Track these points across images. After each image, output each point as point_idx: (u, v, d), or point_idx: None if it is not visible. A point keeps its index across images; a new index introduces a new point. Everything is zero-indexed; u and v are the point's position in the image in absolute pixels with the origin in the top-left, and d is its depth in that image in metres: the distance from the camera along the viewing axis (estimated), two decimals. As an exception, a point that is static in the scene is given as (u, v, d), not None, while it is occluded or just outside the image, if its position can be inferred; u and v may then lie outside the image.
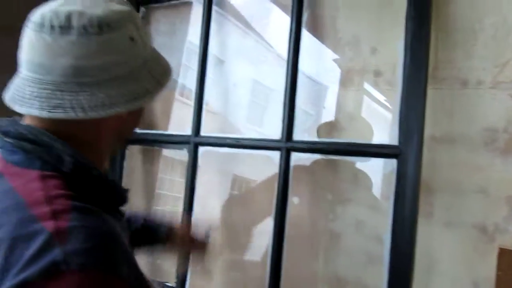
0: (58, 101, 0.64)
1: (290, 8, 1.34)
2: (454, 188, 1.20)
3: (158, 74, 0.73)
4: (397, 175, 1.16)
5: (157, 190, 1.74)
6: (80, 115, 0.64)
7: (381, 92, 1.29)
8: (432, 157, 1.20)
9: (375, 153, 1.21)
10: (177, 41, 1.70)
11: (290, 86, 1.30)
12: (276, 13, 1.54)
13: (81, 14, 0.65)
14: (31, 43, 0.66)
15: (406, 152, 1.14)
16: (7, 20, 1.58)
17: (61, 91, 0.65)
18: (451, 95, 1.20)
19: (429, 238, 1.21)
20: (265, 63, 1.53)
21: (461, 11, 1.19)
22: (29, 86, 0.66)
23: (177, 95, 1.73)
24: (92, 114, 0.65)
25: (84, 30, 0.64)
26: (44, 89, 0.65)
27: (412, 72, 1.15)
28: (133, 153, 1.72)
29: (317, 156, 1.34)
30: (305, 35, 1.34)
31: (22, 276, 0.54)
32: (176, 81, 1.73)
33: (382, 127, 1.30)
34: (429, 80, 1.15)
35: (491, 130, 1.15)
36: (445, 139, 1.21)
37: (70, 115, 0.64)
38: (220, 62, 1.57)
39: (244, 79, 1.58)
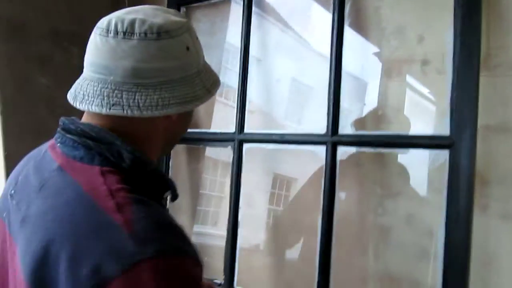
0: (117, 99, 0.70)
1: (331, 1, 1.32)
2: (511, 179, 1.15)
3: (209, 83, 0.79)
4: (450, 167, 1.12)
5: (201, 190, 1.75)
6: (136, 113, 0.70)
7: (429, 81, 1.25)
8: (487, 147, 1.15)
9: (426, 144, 1.18)
10: (217, 40, 1.70)
11: (334, 79, 1.28)
12: (315, 9, 1.52)
13: (143, 21, 0.71)
14: (96, 46, 0.72)
15: (459, 143, 1.10)
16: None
17: (121, 90, 0.71)
18: (505, 82, 1.15)
19: (485, 231, 1.16)
20: (304, 60, 1.51)
21: (513, -6, 1.13)
22: (92, 85, 0.72)
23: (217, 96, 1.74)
24: (146, 113, 0.70)
25: (145, 35, 0.70)
26: (106, 88, 0.71)
27: (463, 60, 1.11)
28: (178, 152, 1.74)
29: (362, 150, 1.31)
30: (346, 29, 1.32)
31: (102, 273, 0.58)
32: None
33: (430, 118, 1.26)
34: (482, 68, 1.11)
35: (548, 117, 1.10)
36: (500, 128, 1.16)
37: (127, 112, 0.70)
38: (258, 60, 1.57)
39: (284, 77, 1.56)
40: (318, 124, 1.33)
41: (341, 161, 1.29)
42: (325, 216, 1.27)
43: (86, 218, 0.64)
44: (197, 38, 0.79)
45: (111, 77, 0.71)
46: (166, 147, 0.85)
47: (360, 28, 1.35)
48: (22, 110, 1.59)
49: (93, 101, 0.71)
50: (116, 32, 0.71)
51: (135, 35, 0.70)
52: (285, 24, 1.55)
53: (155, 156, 0.81)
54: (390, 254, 1.32)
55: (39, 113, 1.64)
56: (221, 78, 1.67)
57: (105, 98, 0.71)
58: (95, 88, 0.72)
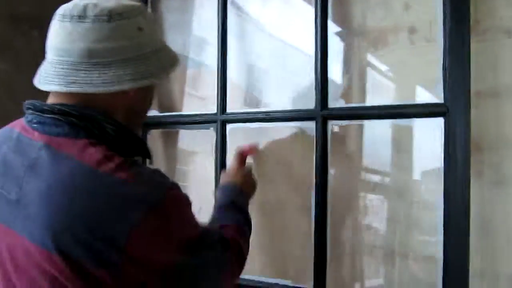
0: (75, 78, 0.77)
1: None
2: (503, 144, 1.15)
3: (166, 62, 0.86)
4: (445, 135, 1.11)
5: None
6: (92, 89, 0.77)
7: (417, 50, 1.23)
8: (478, 113, 1.14)
9: (420, 113, 1.16)
10: (190, 16, 1.63)
11: (321, 52, 1.24)
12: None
13: (95, 5, 0.78)
14: (55, 31, 0.80)
15: (453, 110, 1.09)
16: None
17: (78, 70, 0.77)
18: (494, 46, 1.14)
19: (480, 198, 1.16)
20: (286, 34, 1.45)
21: (500, -44, 1.12)
22: (53, 67, 0.79)
23: (193, 73, 1.67)
24: (102, 89, 0.77)
25: (97, 18, 0.77)
26: (65, 68, 0.77)
27: (454, 26, 1.10)
28: (154, 137, 1.66)
29: (353, 123, 1.29)
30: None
31: (129, 221, 0.70)
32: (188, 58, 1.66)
33: (421, 86, 1.24)
34: (471, 33, 1.10)
35: (539, 79, 1.10)
36: (490, 93, 1.15)
37: (85, 89, 0.77)
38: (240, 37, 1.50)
39: (264, 53, 1.50)
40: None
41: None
42: (319, 192, 1.24)
43: (94, 184, 0.72)
44: (153, 20, 0.88)
45: (70, 58, 0.77)
46: (130, 125, 0.87)
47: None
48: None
49: (53, 81, 0.78)
50: (71, 17, 0.77)
51: (88, 18, 0.77)
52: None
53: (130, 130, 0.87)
54: (385, 227, 1.30)
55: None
56: (198, 57, 1.63)
57: (64, 78, 0.77)
58: (55, 69, 0.78)
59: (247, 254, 0.98)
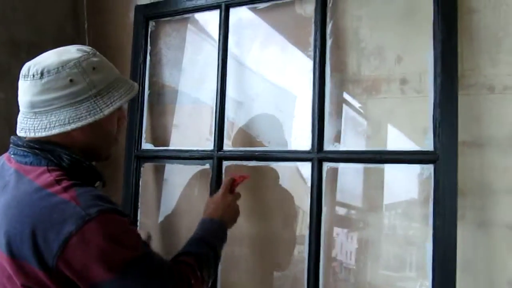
0: (24, 125, 0.97)
1: (312, 22, 1.37)
2: (485, 190, 1.24)
3: (104, 104, 0.98)
4: (435, 181, 1.19)
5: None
6: (32, 134, 0.96)
7: (408, 99, 1.32)
8: (462, 161, 1.23)
9: (412, 159, 1.24)
10: (187, 54, 1.68)
11: (318, 97, 1.31)
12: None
13: (34, 65, 0.96)
14: (20, 89, 0.99)
15: (442, 158, 1.17)
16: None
17: (26, 118, 0.97)
18: (478, 100, 1.24)
19: (462, 239, 1.23)
20: (284, 77, 1.52)
21: (484, 20, 1.23)
22: (19, 116, 1.00)
23: (189, 108, 1.71)
24: (40, 135, 0.95)
25: (33, 76, 0.95)
26: (21, 117, 0.99)
27: (444, 79, 1.19)
28: (147, 170, 1.68)
29: (347, 166, 1.36)
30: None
31: (64, 231, 0.84)
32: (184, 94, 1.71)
33: (409, 134, 1.32)
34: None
35: (518, 132, 1.20)
36: (474, 143, 1.25)
37: (28, 134, 0.97)
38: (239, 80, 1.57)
39: (261, 93, 1.57)
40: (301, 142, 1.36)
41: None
42: (313, 231, 1.29)
43: (41, 201, 0.89)
44: (93, 68, 0.98)
45: (22, 108, 0.98)
46: (89, 156, 1.04)
47: (341, 48, 1.39)
48: None
49: (18, 127, 0.99)
50: (22, 76, 0.97)
51: (29, 76, 0.95)
52: (264, 41, 1.56)
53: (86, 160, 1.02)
54: (375, 267, 1.36)
55: (-3, 130, 1.52)
56: (194, 94, 1.68)
57: (19, 124, 0.98)
58: (19, 118, 1.00)
59: (199, 285, 1.05)
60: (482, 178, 1.25)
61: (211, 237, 1.17)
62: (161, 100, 1.70)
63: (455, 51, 1.19)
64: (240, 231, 1.51)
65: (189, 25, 1.67)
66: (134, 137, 1.62)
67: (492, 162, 1.23)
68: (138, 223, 1.63)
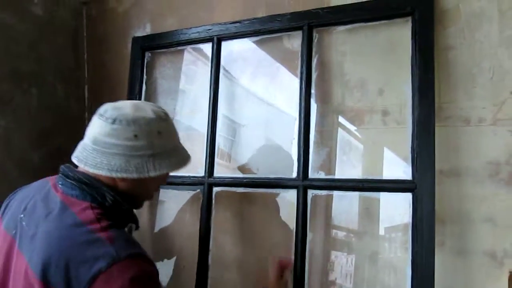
0: (79, 154, 1.05)
1: (299, 53, 1.44)
2: (464, 218, 1.29)
3: (152, 167, 1.05)
4: (413, 208, 1.24)
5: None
6: (81, 165, 1.04)
7: (390, 130, 1.38)
8: (441, 190, 1.29)
9: (392, 188, 1.29)
10: (182, 83, 1.75)
11: (304, 126, 1.38)
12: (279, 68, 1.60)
13: (112, 109, 1.04)
14: (92, 123, 1.07)
15: (420, 186, 1.23)
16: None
17: (86, 150, 1.04)
18: (455, 132, 1.30)
19: (442, 266, 1.28)
20: (277, 103, 1.59)
21: (460, 56, 1.30)
22: (79, 145, 1.07)
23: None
24: (87, 168, 1.03)
25: (107, 119, 1.03)
26: (80, 147, 1.06)
27: (422, 112, 1.25)
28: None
29: (331, 193, 1.41)
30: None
31: (95, 268, 0.90)
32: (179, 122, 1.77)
33: (391, 164, 1.38)
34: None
35: (494, 163, 1.26)
36: (452, 172, 1.30)
37: (78, 164, 1.04)
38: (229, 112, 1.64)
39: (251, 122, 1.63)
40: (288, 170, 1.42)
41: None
42: (298, 257, 1.33)
43: (80, 236, 0.95)
44: (158, 133, 1.05)
45: (86, 140, 1.05)
46: (128, 202, 1.09)
47: (326, 80, 1.46)
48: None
49: (74, 153, 1.07)
50: (98, 114, 1.05)
51: (103, 117, 1.03)
52: (252, 76, 1.63)
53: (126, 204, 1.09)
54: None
55: (-3, 157, 1.57)
56: (188, 122, 1.74)
57: (77, 153, 1.06)
58: (79, 147, 1.07)
59: None
60: (460, 207, 1.30)
61: None
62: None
63: (432, 85, 1.26)
64: (234, 256, 1.56)
65: (183, 56, 1.75)
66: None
67: (469, 191, 1.29)
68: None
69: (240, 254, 1.60)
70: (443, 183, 1.30)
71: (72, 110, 1.88)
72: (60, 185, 1.07)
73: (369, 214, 1.40)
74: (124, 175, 1.02)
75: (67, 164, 1.10)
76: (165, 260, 1.74)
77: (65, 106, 1.84)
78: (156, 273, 0.99)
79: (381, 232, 1.39)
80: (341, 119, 1.44)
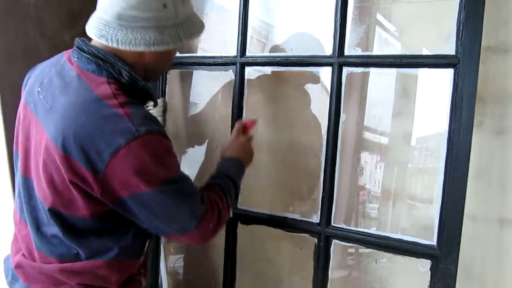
0: (105, 33, 0.99)
1: None
2: (507, 98, 1.23)
3: (184, 34, 1.03)
4: (454, 85, 1.18)
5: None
6: (114, 45, 0.99)
7: (434, 4, 1.29)
8: (485, 67, 1.21)
9: (432, 63, 1.22)
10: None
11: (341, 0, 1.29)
12: None
13: None
14: None
15: (464, 62, 1.15)
16: None
17: (109, 27, 0.99)
18: (507, 2, 1.19)
19: (478, 147, 1.24)
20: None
21: None
22: (95, 20, 1.01)
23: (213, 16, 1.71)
24: (122, 47, 0.98)
25: None
26: (101, 23, 1.00)
27: (471, -20, 1.14)
28: (173, 76, 1.73)
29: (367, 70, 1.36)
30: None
31: (115, 143, 0.91)
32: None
33: (434, 39, 1.30)
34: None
35: (547, 38, 1.16)
36: (499, 48, 1.22)
37: (109, 43, 0.99)
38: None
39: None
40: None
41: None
42: (331, 137, 1.32)
43: (98, 111, 0.95)
44: (182, 1, 1.02)
45: (106, 17, 0.98)
46: (147, 76, 1.09)
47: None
48: (12, 33, 1.52)
49: (92, 30, 1.01)
50: None
51: None
52: None
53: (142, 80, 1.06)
54: (389, 171, 1.40)
55: (29, 35, 1.57)
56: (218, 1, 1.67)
57: (99, 31, 1.00)
58: (95, 22, 1.01)
59: (226, 213, 1.15)
60: (505, 85, 1.23)
61: (231, 171, 1.26)
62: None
63: (485, -52, 1.13)
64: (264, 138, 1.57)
65: None
66: (161, 44, 1.65)
67: (516, 68, 1.21)
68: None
69: (272, 137, 1.60)
70: (488, 59, 1.22)
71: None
72: (75, 59, 1.04)
73: (406, 94, 1.35)
74: (162, 48, 1.00)
75: (82, 38, 1.05)
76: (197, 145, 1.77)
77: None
78: (172, 147, 1.01)
79: (421, 112, 1.35)
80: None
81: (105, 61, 1.00)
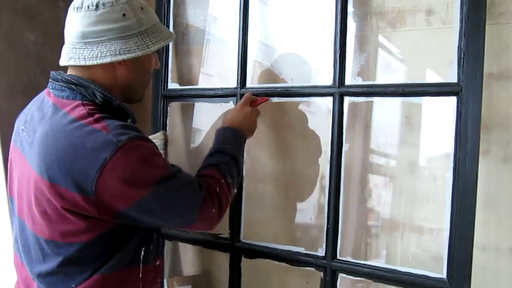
0: (72, 54, 1.02)
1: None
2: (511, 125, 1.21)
3: (150, 42, 1.05)
4: (457, 113, 1.16)
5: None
6: (82, 62, 1.01)
7: (434, 31, 1.28)
8: (488, 94, 1.19)
9: (435, 92, 1.21)
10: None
11: (340, 30, 1.29)
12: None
13: None
14: (67, 19, 1.05)
15: (466, 90, 1.14)
16: None
17: (75, 48, 1.02)
18: (508, 30, 1.19)
19: (486, 175, 1.22)
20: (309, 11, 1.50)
21: None
22: (64, 47, 1.06)
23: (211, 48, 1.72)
24: (90, 63, 1.01)
25: (88, 8, 1.00)
26: (68, 47, 1.04)
27: (471, 9, 1.13)
28: (175, 108, 1.72)
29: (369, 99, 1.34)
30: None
31: (100, 158, 0.92)
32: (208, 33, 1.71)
33: (435, 67, 1.29)
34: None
35: (550, 64, 1.15)
36: (502, 75, 1.20)
37: (76, 63, 1.02)
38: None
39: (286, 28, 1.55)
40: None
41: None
42: (334, 166, 1.30)
43: (75, 131, 0.96)
44: (141, 8, 1.05)
45: (72, 40, 1.03)
46: (126, 96, 1.12)
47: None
48: (13, 69, 1.53)
49: (62, 57, 1.05)
50: (73, 8, 1.02)
51: (83, 8, 1.00)
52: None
53: (120, 99, 1.09)
54: (395, 200, 1.37)
55: (29, 71, 1.57)
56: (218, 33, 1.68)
57: (67, 54, 1.04)
58: (64, 49, 1.05)
59: (226, 193, 1.16)
60: (509, 112, 1.21)
61: (229, 145, 1.25)
62: (186, 40, 1.72)
63: (484, -23, 1.13)
64: (265, 168, 1.55)
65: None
66: (161, 77, 1.64)
67: (520, 95, 1.19)
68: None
69: (275, 167, 1.58)
70: (491, 86, 1.20)
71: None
72: (51, 90, 1.07)
73: (410, 122, 1.33)
74: (129, 56, 1.02)
75: (58, 71, 1.08)
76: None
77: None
78: (155, 147, 1.04)
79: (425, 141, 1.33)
80: (380, 22, 1.34)
81: (78, 85, 1.02)
